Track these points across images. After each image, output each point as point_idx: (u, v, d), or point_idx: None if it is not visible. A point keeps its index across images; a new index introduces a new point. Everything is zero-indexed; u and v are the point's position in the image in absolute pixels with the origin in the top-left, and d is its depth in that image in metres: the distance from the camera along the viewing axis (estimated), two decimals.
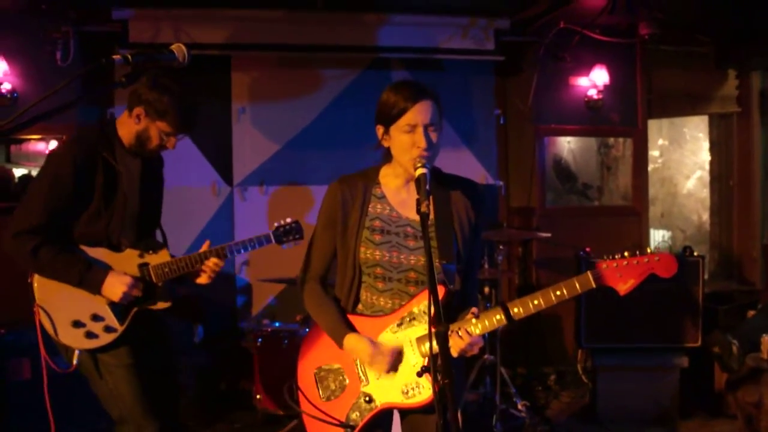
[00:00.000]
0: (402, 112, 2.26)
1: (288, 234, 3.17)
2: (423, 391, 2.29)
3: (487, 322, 2.28)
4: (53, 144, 6.03)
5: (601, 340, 4.87)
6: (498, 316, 2.27)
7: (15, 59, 5.01)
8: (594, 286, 2.24)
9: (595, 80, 5.90)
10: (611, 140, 6.46)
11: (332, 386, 2.44)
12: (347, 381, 2.42)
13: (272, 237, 3.13)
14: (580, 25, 5.61)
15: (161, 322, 3.09)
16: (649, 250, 2.25)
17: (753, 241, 6.36)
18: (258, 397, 4.52)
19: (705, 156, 7.22)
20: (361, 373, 2.39)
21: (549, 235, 5.12)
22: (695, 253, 4.99)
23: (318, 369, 2.48)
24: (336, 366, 2.45)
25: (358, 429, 2.37)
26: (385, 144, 2.37)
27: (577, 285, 2.24)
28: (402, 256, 2.37)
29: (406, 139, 2.27)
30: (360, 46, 5.54)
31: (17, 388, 4.11)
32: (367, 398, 2.37)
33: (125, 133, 2.90)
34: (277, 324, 4.70)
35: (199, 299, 5.33)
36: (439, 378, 1.88)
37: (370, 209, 2.42)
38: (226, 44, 5.30)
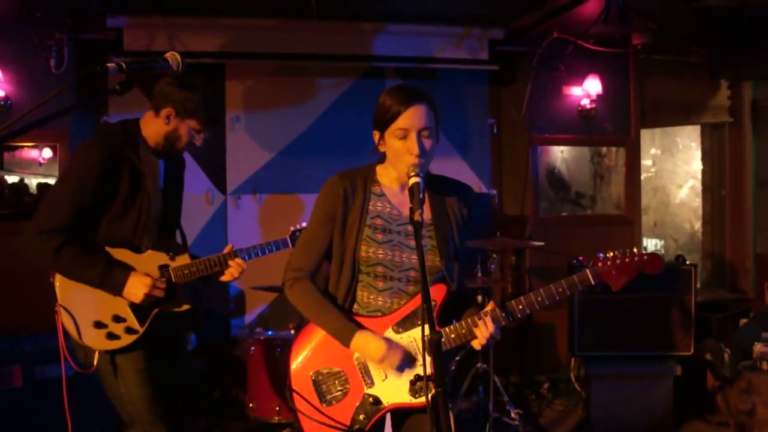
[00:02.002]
0: (395, 117, 2.25)
1: None
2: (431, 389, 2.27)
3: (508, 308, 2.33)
4: (47, 151, 6.03)
5: (594, 349, 4.88)
6: (520, 306, 2.34)
7: (9, 66, 5.00)
8: (593, 282, 2.35)
9: (588, 90, 5.93)
10: (604, 149, 6.49)
11: (333, 390, 2.39)
12: (349, 384, 2.38)
13: (289, 242, 3.20)
14: (573, 35, 5.64)
15: (175, 326, 3.10)
16: (635, 250, 2.39)
17: (745, 250, 6.38)
18: (251, 405, 4.50)
19: (697, 165, 7.25)
20: (365, 375, 2.37)
21: (542, 243, 5.13)
22: (688, 262, 5.01)
23: (316, 373, 2.42)
24: (336, 369, 2.40)
25: (367, 429, 2.35)
26: (381, 149, 2.37)
27: (577, 281, 2.35)
28: (404, 255, 2.37)
29: (399, 145, 2.26)
30: (354, 55, 5.55)
31: (8, 396, 4.09)
32: (373, 399, 2.35)
33: (151, 134, 2.90)
34: (270, 332, 4.69)
35: (192, 307, 5.31)
36: (433, 386, 1.87)
37: (370, 207, 2.40)
38: (220, 52, 5.31)
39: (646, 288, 4.82)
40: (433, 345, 1.87)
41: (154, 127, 2.89)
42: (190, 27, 5.22)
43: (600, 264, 2.37)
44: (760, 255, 6.31)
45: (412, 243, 2.37)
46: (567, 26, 5.52)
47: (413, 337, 2.35)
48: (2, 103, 4.94)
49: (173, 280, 2.90)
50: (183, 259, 2.94)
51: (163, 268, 2.91)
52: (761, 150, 6.38)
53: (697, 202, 7.27)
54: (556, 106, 5.98)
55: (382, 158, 2.44)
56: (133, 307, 2.83)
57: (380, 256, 2.36)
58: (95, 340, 2.80)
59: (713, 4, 4.84)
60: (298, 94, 5.71)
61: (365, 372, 2.37)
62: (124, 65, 1.99)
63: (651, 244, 7.57)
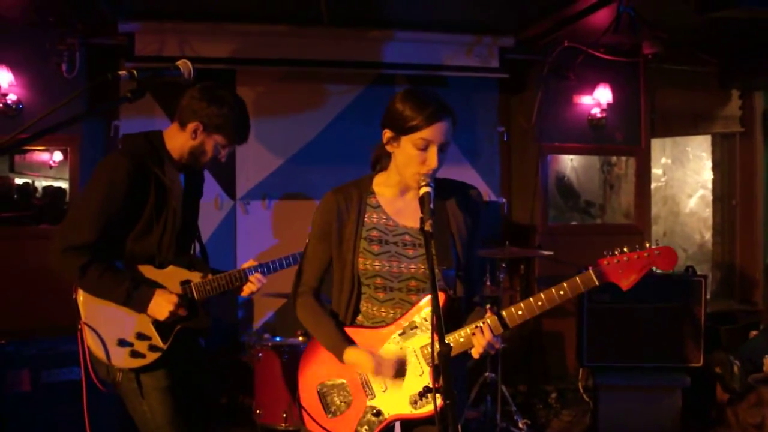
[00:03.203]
0: (421, 128, 2.20)
1: None
2: (432, 401, 2.26)
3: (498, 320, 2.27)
4: (57, 155, 6.06)
5: (602, 359, 4.86)
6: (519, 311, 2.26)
7: (21, 71, 5.03)
8: (597, 283, 2.22)
9: (598, 99, 5.91)
10: (614, 158, 6.47)
11: (337, 402, 2.40)
12: (352, 396, 2.39)
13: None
14: (584, 44, 5.63)
15: (196, 344, 3.09)
16: (647, 245, 2.24)
17: (755, 261, 6.35)
18: (258, 411, 4.50)
19: (708, 175, 7.23)
20: (366, 387, 2.37)
21: (551, 253, 5.11)
22: (698, 273, 4.98)
23: (321, 385, 2.44)
24: (340, 381, 2.41)
25: None
26: (390, 149, 2.32)
27: (580, 282, 2.23)
28: (402, 265, 2.35)
29: (417, 155, 2.23)
30: (364, 62, 5.55)
31: (16, 400, 4.10)
32: (375, 411, 2.34)
33: (176, 147, 2.85)
34: (277, 338, 4.69)
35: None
36: (441, 398, 1.86)
37: (366, 219, 2.39)
38: (231, 58, 5.32)
39: (655, 299, 4.80)
40: (441, 357, 1.86)
41: (179, 141, 2.84)
42: (201, 33, 5.23)
43: (605, 262, 2.23)
44: None
45: (411, 253, 2.36)
46: (577, 35, 5.51)
47: (414, 348, 2.33)
48: (14, 107, 4.96)
49: (195, 296, 2.88)
50: (204, 273, 2.92)
51: (185, 283, 2.88)
52: None
53: (708, 212, 7.24)
54: (566, 115, 5.97)
55: (384, 166, 2.42)
56: (156, 324, 2.80)
57: (377, 267, 2.35)
58: (120, 359, 2.76)
59: (724, 14, 4.82)
60: (308, 100, 5.71)
61: (366, 384, 2.38)
62: (135, 73, 2.00)
63: None
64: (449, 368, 1.86)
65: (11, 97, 4.96)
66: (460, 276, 2.39)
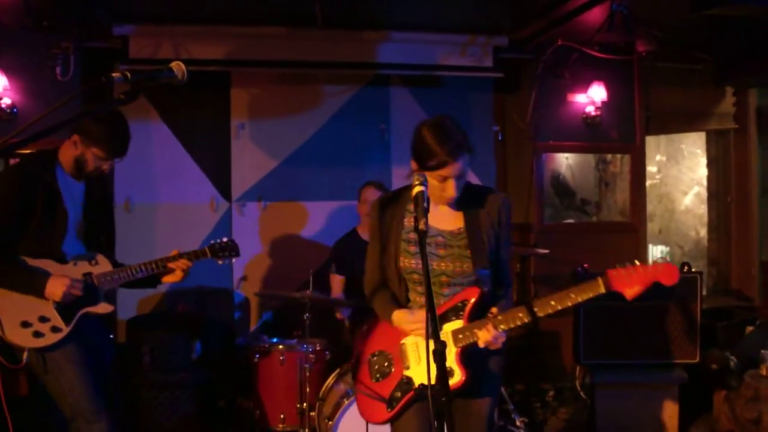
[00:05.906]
0: (441, 166, 2.55)
1: (223, 250, 3.57)
2: (455, 375, 2.61)
3: (509, 316, 2.59)
4: None
5: (599, 357, 4.86)
6: (520, 314, 2.58)
7: (15, 74, 5.02)
8: (604, 291, 2.54)
9: (593, 97, 5.92)
10: (609, 156, 6.48)
11: (381, 369, 2.83)
12: (394, 365, 2.80)
13: (208, 252, 3.52)
14: (578, 43, 5.64)
15: (103, 327, 3.52)
16: (651, 262, 2.50)
17: (751, 258, 6.37)
18: (256, 413, 4.50)
19: (702, 172, 7.25)
20: (404, 359, 2.77)
21: (547, 251, 5.13)
22: (693, 270, 4.99)
23: (372, 354, 2.88)
24: (387, 352, 2.84)
25: (399, 405, 2.73)
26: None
27: (589, 290, 2.54)
28: (434, 264, 2.70)
29: (437, 186, 2.60)
30: (359, 63, 5.55)
31: (13, 404, 4.08)
32: (407, 380, 2.74)
33: (65, 158, 3.24)
34: (275, 340, 4.68)
35: (197, 315, 5.32)
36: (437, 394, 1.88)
37: (405, 223, 2.77)
38: (225, 60, 5.32)
39: (651, 296, 4.76)
40: (436, 355, 1.89)
41: (68, 152, 3.23)
42: (196, 35, 5.23)
43: (614, 273, 2.53)
44: (766, 262, 6.29)
45: (442, 252, 2.71)
46: (571, 34, 5.52)
47: (446, 331, 2.67)
48: (8, 111, 4.95)
49: (96, 283, 3.24)
50: (105, 266, 3.30)
51: (87, 275, 3.24)
52: (766, 157, 6.39)
53: (703, 209, 7.26)
54: (561, 114, 5.98)
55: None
56: (58, 307, 3.13)
57: (413, 265, 2.72)
58: (22, 338, 3.10)
59: (718, 12, 4.84)
60: (303, 101, 5.72)
61: (404, 356, 2.78)
62: (128, 75, 2.00)
63: (656, 251, 7.55)
64: (444, 367, 1.88)
65: (5, 101, 4.95)
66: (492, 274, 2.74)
